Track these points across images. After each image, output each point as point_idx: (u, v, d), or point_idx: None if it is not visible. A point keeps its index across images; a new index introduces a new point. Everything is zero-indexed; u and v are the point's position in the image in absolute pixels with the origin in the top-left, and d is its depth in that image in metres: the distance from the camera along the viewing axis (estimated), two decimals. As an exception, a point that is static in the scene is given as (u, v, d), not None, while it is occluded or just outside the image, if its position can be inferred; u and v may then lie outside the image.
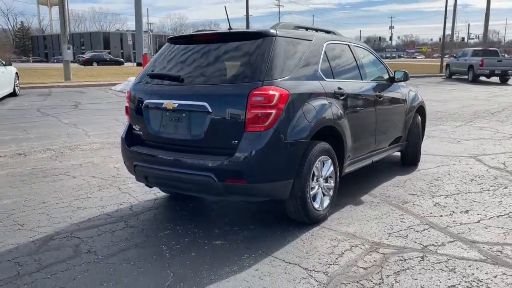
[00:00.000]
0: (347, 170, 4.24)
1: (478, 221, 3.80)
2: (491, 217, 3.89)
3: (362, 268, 2.95)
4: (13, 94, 14.62)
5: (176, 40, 3.99)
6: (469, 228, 3.64)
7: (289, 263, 3.02)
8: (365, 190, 4.74)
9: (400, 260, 3.06)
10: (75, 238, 3.48)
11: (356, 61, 4.60)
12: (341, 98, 4.01)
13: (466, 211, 4.05)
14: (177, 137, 3.54)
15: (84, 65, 47.76)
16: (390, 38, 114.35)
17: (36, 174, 5.52)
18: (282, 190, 3.40)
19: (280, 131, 3.27)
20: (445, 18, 30.51)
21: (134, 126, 3.88)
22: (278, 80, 3.36)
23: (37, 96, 15.25)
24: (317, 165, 3.65)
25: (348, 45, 4.62)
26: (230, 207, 4.30)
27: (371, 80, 4.85)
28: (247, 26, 24.07)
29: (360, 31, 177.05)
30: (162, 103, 3.54)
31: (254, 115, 3.20)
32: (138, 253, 3.20)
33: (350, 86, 4.26)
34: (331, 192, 3.90)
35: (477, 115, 11.00)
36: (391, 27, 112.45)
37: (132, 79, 16.83)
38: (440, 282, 2.75)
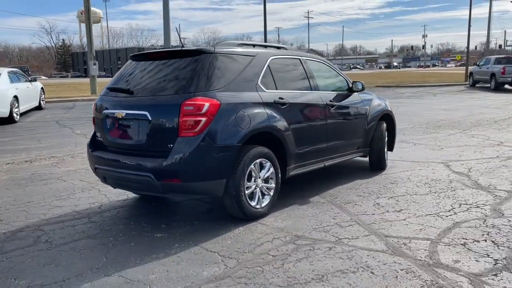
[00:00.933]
0: (293, 172, 4.64)
1: (404, 219, 4.11)
2: (419, 216, 4.19)
3: (272, 255, 3.35)
4: (38, 108, 15.71)
5: (136, 57, 4.54)
6: (391, 225, 3.96)
7: (210, 251, 3.46)
8: (318, 191, 5.11)
9: (309, 250, 3.44)
10: (40, 231, 4.04)
11: (306, 73, 5.00)
12: (283, 107, 4.43)
13: (400, 210, 4.36)
14: (126, 142, 4.07)
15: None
16: (423, 47, 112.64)
17: (33, 178, 6.18)
18: (215, 188, 3.85)
19: (210, 136, 3.73)
20: (469, 26, 30.12)
21: (97, 134, 4.44)
22: (211, 91, 3.83)
23: (60, 109, 16.31)
24: (253, 167, 4.08)
25: (299, 59, 5.04)
26: (185, 206, 4.77)
27: (325, 91, 5.24)
28: (265, 40, 24.68)
29: (392, 40, 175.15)
30: (114, 113, 4.09)
31: (186, 122, 3.68)
32: (86, 243, 3.71)
33: (295, 96, 4.68)
34: (271, 192, 4.31)
35: (479, 123, 11.04)
36: (424, 36, 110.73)
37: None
38: (332, 267, 3.11)
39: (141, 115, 3.89)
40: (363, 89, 5.64)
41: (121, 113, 4.04)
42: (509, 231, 3.71)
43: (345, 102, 5.44)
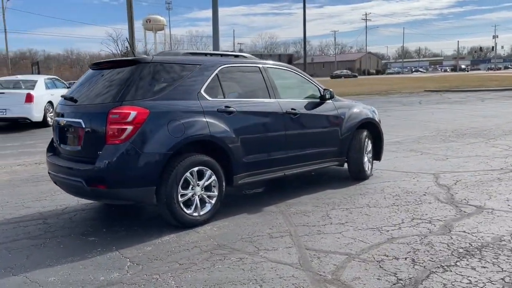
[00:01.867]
0: (244, 181, 4.66)
1: (341, 232, 4.00)
2: (359, 229, 4.06)
3: (179, 264, 3.40)
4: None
5: (93, 66, 4.78)
6: (322, 237, 3.87)
7: (124, 257, 3.58)
8: (279, 200, 5.08)
9: (219, 260, 3.45)
10: (-9, 230, 4.36)
11: (265, 81, 5.00)
12: (229, 115, 4.47)
13: (344, 223, 4.24)
14: (68, 149, 4.31)
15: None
16: (493, 48, 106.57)
17: (29, 180, 6.64)
18: (144, 196, 3.98)
19: (137, 144, 3.86)
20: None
21: (53, 140, 4.72)
22: (141, 100, 3.96)
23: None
24: (189, 175, 4.15)
25: (259, 67, 5.04)
26: (141, 210, 4.93)
27: (288, 99, 5.21)
28: (304, 46, 24.56)
29: (458, 41, 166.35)
30: (59, 120, 4.35)
31: (112, 130, 3.84)
32: (22, 243, 3.97)
33: (246, 104, 4.70)
34: (213, 200, 4.36)
35: (511, 132, 10.36)
36: (494, 37, 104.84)
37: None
38: (226, 278, 3.12)
39: (77, 123, 4.11)
40: (331, 97, 5.55)
41: (63, 120, 4.29)
42: (440, 250, 3.51)
43: (312, 111, 5.37)
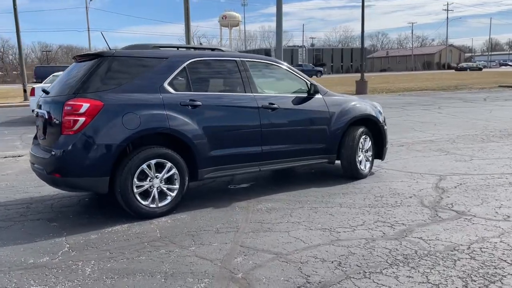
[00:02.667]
0: (211, 175, 4.68)
1: (289, 231, 3.89)
2: (310, 229, 3.92)
3: (108, 252, 3.52)
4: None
5: (74, 58, 5.03)
6: (266, 235, 3.79)
7: (66, 243, 3.75)
8: (253, 196, 5.04)
9: (136, 250, 3.52)
10: (-24, 211, 4.77)
11: (241, 76, 4.95)
12: (194, 108, 4.51)
13: (299, 222, 4.12)
14: (40, 139, 4.58)
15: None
16: None
17: (27, 170, 6.96)
18: (97, 185, 4.14)
19: (89, 135, 4.03)
20: None
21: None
22: (96, 92, 4.12)
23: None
24: (146, 167, 4.25)
25: (236, 61, 5.00)
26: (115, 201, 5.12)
27: (267, 93, 5.14)
28: (362, 41, 23.77)
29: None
30: (36, 112, 4.64)
31: (66, 121, 4.03)
32: (-7, 225, 4.30)
33: (215, 98, 4.71)
34: (174, 193, 4.43)
35: None
36: None
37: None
38: (119, 269, 3.18)
39: (43, 113, 4.37)
40: (315, 92, 5.36)
41: (36, 111, 4.58)
42: (376, 255, 3.30)
43: (295, 105, 5.24)
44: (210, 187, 5.69)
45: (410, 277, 2.94)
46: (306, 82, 5.46)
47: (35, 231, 4.12)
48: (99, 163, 4.08)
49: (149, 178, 4.30)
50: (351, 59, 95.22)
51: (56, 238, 3.88)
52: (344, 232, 3.83)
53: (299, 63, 69.68)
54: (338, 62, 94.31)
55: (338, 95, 5.87)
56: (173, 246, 3.61)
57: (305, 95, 5.38)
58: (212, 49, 5.13)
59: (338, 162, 5.74)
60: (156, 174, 4.34)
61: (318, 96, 5.45)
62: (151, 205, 4.32)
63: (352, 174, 5.68)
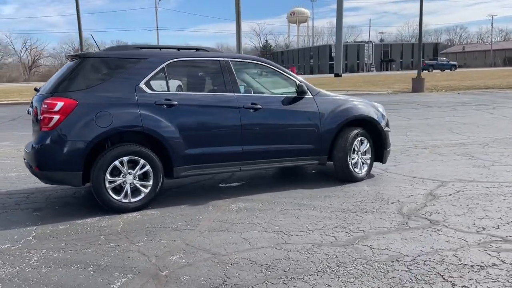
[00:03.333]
0: (186, 173, 4.81)
1: (241, 232, 3.92)
2: (264, 232, 3.93)
3: (69, 235, 3.76)
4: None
5: (67, 58, 5.36)
6: (218, 235, 3.85)
7: (35, 230, 4.06)
8: (234, 195, 5.11)
9: (97, 240, 3.72)
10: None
11: (224, 75, 5.02)
12: (170, 108, 4.66)
13: (259, 224, 4.13)
14: (32, 135, 4.93)
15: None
16: None
17: None
18: (71, 179, 4.42)
19: (62, 132, 4.31)
20: None
21: None
22: (72, 91, 4.39)
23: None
24: (119, 164, 4.47)
25: (219, 61, 5.08)
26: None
27: (251, 93, 5.18)
28: (420, 39, 22.71)
29: None
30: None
31: (44, 118, 4.34)
32: (-15, 212, 4.73)
33: (192, 98, 4.82)
34: (147, 189, 4.61)
35: None
36: None
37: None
38: (45, 258, 3.38)
39: (29, 111, 4.72)
40: (303, 92, 5.29)
41: (28, 109, 4.95)
42: (311, 261, 3.25)
43: (281, 106, 5.22)
44: (203, 184, 5.83)
45: (328, 285, 2.88)
46: (295, 82, 5.41)
47: (17, 219, 4.48)
48: (71, 159, 4.35)
49: (122, 174, 4.51)
50: (423, 55, 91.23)
51: (29, 227, 4.20)
52: (297, 236, 3.79)
53: (436, 58, 67.34)
54: (408, 57, 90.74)
55: (333, 95, 5.76)
56: (124, 241, 3.78)
57: (293, 95, 5.34)
58: (197, 49, 5.24)
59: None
60: (130, 171, 4.54)
61: (308, 96, 5.38)
62: (124, 200, 4.53)
63: (344, 176, 5.56)
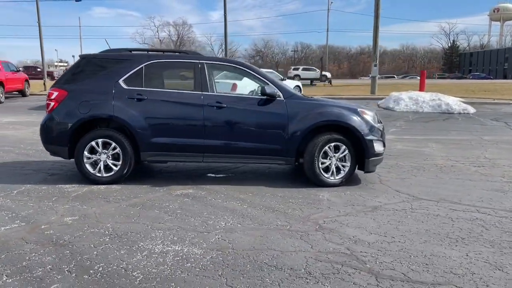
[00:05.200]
0: (151, 158, 5.71)
1: (169, 229, 4.39)
2: (163, 213, 4.58)
3: (38, 196, 5.04)
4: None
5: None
6: (109, 211, 4.65)
7: (17, 189, 5.44)
8: (204, 184, 5.77)
9: (55, 202, 4.88)
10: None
11: (196, 76, 5.72)
12: (139, 101, 5.61)
13: (193, 218, 4.56)
14: None
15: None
16: None
17: None
18: (61, 152, 5.72)
19: (55, 116, 5.64)
20: None
21: None
22: (67, 84, 5.68)
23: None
24: (95, 144, 5.60)
25: (194, 63, 5.80)
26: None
27: (220, 93, 5.78)
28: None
29: None
30: None
31: (47, 104, 5.74)
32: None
33: (160, 94, 5.67)
34: (117, 168, 5.65)
35: None
36: None
37: (395, 94, 17.70)
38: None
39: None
40: (271, 95, 5.64)
41: None
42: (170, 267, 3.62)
43: (247, 106, 5.68)
44: (191, 170, 6.65)
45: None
46: (267, 85, 5.74)
47: (26, 178, 5.97)
48: (60, 136, 5.65)
49: (98, 153, 5.63)
50: None
51: (23, 185, 5.61)
52: (205, 233, 4.15)
53: None
54: None
55: (309, 99, 5.91)
56: (45, 202, 4.88)
57: (261, 97, 5.71)
58: (179, 52, 6.04)
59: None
60: (104, 151, 5.63)
61: (279, 98, 5.68)
62: (98, 174, 5.65)
63: (313, 180, 5.70)
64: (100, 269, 3.28)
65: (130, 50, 6.10)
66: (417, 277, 3.21)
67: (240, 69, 6.00)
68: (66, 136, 5.64)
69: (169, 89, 5.86)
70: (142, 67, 5.75)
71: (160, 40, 78.07)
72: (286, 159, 5.74)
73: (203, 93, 5.68)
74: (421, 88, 20.03)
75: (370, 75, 24.46)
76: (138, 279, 3.14)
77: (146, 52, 6.16)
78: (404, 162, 7.41)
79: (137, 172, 6.27)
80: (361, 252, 3.64)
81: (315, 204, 4.96)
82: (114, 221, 4.31)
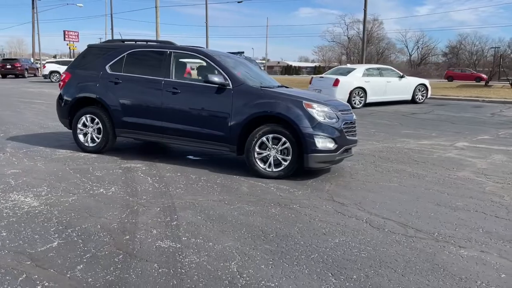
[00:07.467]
0: (124, 135, 6.86)
1: (96, 181, 5.77)
2: (105, 183, 5.65)
3: (30, 161, 6.65)
4: (412, 101, 18.08)
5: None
6: (62, 181, 5.87)
7: (22, 157, 7.12)
8: (168, 163, 6.56)
9: (33, 157, 6.41)
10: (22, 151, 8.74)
11: (163, 63, 6.58)
12: (116, 84, 6.77)
13: (97, 180, 5.79)
14: None
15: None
16: None
17: None
18: (66, 124, 7.28)
19: (62, 93, 7.23)
20: None
21: None
22: (74, 68, 7.22)
23: (432, 106, 17.56)
24: (85, 119, 7.00)
25: (165, 52, 6.67)
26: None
27: (180, 80, 6.54)
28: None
29: None
30: None
31: (59, 84, 7.34)
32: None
33: (132, 79, 6.71)
34: (98, 140, 6.96)
35: None
36: None
37: None
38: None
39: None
40: (220, 83, 6.11)
41: None
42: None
43: (197, 93, 6.33)
44: (173, 151, 7.59)
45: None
46: (220, 74, 6.20)
47: (58, 143, 7.69)
48: (63, 110, 7.22)
49: (87, 127, 7.00)
50: None
51: (15, 152, 7.29)
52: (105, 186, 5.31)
53: None
54: None
55: (260, 90, 6.11)
56: (33, 161, 6.33)
57: (212, 85, 6.19)
58: (161, 42, 7.09)
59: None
60: (90, 125, 6.98)
61: (228, 87, 6.14)
62: (85, 144, 7.07)
63: (250, 169, 6.03)
64: None
65: (123, 40, 7.29)
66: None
67: (199, 57, 6.62)
68: (67, 111, 7.17)
69: (143, 75, 6.80)
70: (125, 55, 6.88)
71: (348, 38, 77.74)
72: (229, 146, 6.15)
73: (164, 79, 6.51)
74: None
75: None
76: None
77: (134, 42, 7.24)
78: None
79: (140, 148, 7.46)
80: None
81: (223, 190, 5.35)
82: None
